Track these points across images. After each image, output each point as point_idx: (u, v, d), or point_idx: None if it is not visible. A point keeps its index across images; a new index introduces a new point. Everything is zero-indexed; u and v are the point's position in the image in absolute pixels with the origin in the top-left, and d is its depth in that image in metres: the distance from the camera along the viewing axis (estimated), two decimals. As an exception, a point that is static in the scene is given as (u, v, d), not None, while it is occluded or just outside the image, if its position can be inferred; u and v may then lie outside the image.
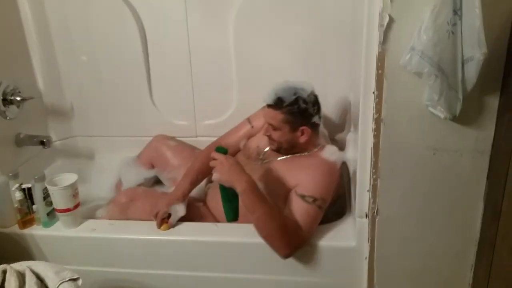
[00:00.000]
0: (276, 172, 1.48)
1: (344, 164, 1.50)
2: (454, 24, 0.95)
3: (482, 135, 1.07)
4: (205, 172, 1.59)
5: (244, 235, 1.40)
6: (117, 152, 2.00)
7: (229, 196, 1.37)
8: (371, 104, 1.10)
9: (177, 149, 1.87)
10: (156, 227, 1.45)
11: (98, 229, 1.48)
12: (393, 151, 1.12)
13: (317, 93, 1.48)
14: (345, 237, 1.35)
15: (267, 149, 1.57)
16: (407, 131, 1.09)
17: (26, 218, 1.52)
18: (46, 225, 1.51)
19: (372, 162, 1.15)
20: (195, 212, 1.55)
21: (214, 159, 1.35)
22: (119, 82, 1.97)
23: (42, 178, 1.46)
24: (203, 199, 1.65)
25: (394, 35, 1.01)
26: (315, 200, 1.35)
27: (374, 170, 1.15)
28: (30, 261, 1.25)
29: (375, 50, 1.05)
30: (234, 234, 1.42)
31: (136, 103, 1.99)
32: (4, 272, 1.17)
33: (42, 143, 1.80)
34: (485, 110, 1.05)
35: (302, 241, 1.33)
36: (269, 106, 1.45)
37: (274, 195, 1.41)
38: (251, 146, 1.63)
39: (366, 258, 1.28)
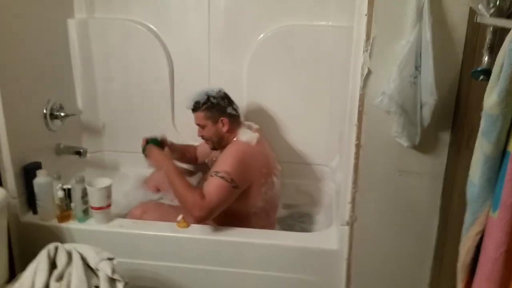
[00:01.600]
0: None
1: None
2: (415, 77, 1.25)
3: (437, 162, 1.37)
4: (189, 157, 2.10)
5: (242, 236, 1.65)
6: (138, 167, 2.21)
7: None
8: (354, 133, 1.40)
9: (183, 173, 2.10)
10: (174, 227, 1.68)
11: (124, 226, 1.70)
12: (369, 171, 1.41)
13: (313, 126, 1.79)
14: (330, 242, 1.60)
15: (214, 158, 1.89)
16: (379, 155, 1.38)
17: (64, 213, 1.71)
18: (81, 220, 1.72)
19: (353, 179, 1.43)
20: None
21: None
22: (147, 107, 2.24)
23: (81, 180, 1.68)
24: None
25: (371, 82, 1.32)
26: (217, 172, 1.62)
27: (354, 185, 1.43)
28: (74, 244, 1.49)
29: (357, 93, 1.35)
30: (233, 235, 1.65)
31: (160, 126, 2.22)
32: (56, 248, 1.40)
33: (78, 153, 2.06)
34: (439, 142, 1.35)
35: (206, 205, 1.57)
36: (192, 110, 1.82)
37: None
38: (208, 161, 2.01)
39: (345, 259, 1.53)
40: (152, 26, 2.15)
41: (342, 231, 1.53)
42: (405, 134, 1.30)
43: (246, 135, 1.79)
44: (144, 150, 1.88)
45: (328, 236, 1.64)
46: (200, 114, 1.81)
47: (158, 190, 2.15)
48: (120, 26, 2.15)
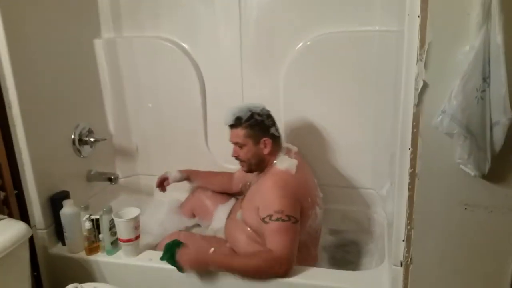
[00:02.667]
0: (247, 201, 1.62)
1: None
2: (483, 91, 1.03)
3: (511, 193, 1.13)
4: (220, 184, 1.94)
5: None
6: (173, 191, 2.11)
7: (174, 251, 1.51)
8: (407, 159, 1.18)
9: (217, 197, 1.99)
10: None
11: (154, 260, 1.59)
12: (427, 204, 1.18)
13: (358, 146, 1.58)
14: (380, 284, 1.40)
15: (249, 180, 1.72)
16: (439, 185, 1.16)
17: (93, 245, 1.66)
18: (110, 253, 1.64)
19: (407, 214, 1.21)
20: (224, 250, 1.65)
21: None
22: (179, 127, 2.15)
23: (109, 211, 1.61)
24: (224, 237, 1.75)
25: (428, 98, 1.10)
26: (270, 217, 1.44)
27: (408, 221, 1.22)
28: (95, 283, 1.40)
29: (411, 111, 1.14)
30: None
31: (193, 147, 2.15)
32: None
33: (110, 179, 2.00)
34: (513, 170, 1.11)
35: (282, 257, 1.40)
36: (231, 126, 1.64)
37: (250, 221, 1.55)
38: (242, 186, 1.86)
39: None
40: (181, 43, 2.06)
41: (395, 272, 1.32)
42: (471, 161, 1.07)
43: (284, 163, 1.60)
44: (168, 258, 1.55)
45: (379, 277, 1.44)
46: (241, 131, 1.62)
47: (193, 215, 2.06)
48: (149, 44, 2.08)
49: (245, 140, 1.63)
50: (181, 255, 1.49)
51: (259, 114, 1.63)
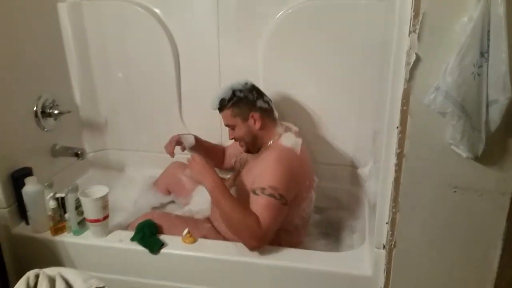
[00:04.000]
0: (244, 175, 1.57)
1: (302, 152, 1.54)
2: (480, 66, 0.96)
3: (504, 176, 1.07)
4: (213, 158, 1.84)
5: (257, 256, 1.42)
6: (146, 166, 2.09)
7: (147, 233, 1.49)
8: (394, 138, 1.11)
9: None
10: (180, 242, 1.48)
11: (124, 240, 1.51)
12: (414, 186, 1.12)
13: (341, 120, 1.53)
14: (362, 266, 1.35)
15: (245, 157, 1.68)
16: (428, 167, 1.10)
17: (58, 225, 1.57)
18: (77, 233, 1.56)
19: (392, 196, 1.16)
20: (202, 231, 1.59)
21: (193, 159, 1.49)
22: (151, 99, 2.04)
23: (75, 189, 1.51)
24: (208, 217, 1.70)
25: (420, 74, 1.02)
26: (263, 189, 1.39)
27: (394, 204, 1.16)
28: (60, 267, 1.30)
29: (401, 87, 1.06)
30: (247, 254, 1.43)
31: (166, 120, 2.04)
32: (37, 276, 1.22)
33: (76, 155, 1.88)
34: (507, 152, 1.05)
35: (263, 233, 1.36)
36: (219, 110, 1.61)
37: (244, 198, 1.47)
38: (235, 162, 1.79)
39: None
40: (153, 8, 1.91)
41: (377, 255, 1.27)
42: (464, 142, 1.01)
43: (290, 140, 1.54)
44: (139, 239, 1.50)
45: (361, 258, 1.39)
46: (227, 112, 1.59)
47: (168, 192, 1.99)
48: (118, 9, 1.92)
49: (233, 120, 1.59)
50: (195, 157, 1.48)
51: (240, 91, 1.58)
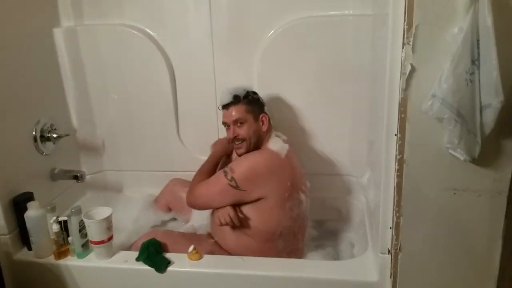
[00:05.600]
0: None
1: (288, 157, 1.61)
2: (472, 73, 1.01)
3: (500, 176, 1.12)
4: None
5: (264, 268, 1.45)
6: (144, 186, 2.10)
7: (152, 252, 1.52)
8: (393, 145, 1.16)
9: None
10: (185, 259, 1.49)
11: (130, 261, 1.51)
12: (415, 190, 1.17)
13: (335, 132, 1.75)
14: (367, 273, 1.38)
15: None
16: (428, 171, 1.14)
17: (62, 249, 1.56)
18: (80, 256, 1.56)
19: (395, 201, 1.20)
20: (206, 247, 1.61)
21: None
22: (148, 120, 2.06)
23: (78, 212, 1.51)
24: (209, 232, 1.73)
25: (416, 83, 1.08)
26: (225, 169, 1.56)
27: (397, 209, 1.20)
28: None
29: (397, 96, 1.12)
30: (254, 267, 1.46)
31: (164, 140, 2.06)
32: None
33: (75, 177, 1.87)
34: (502, 153, 1.10)
35: (196, 193, 1.60)
36: (229, 104, 1.64)
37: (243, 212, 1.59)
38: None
39: None
40: (148, 31, 1.95)
41: (383, 260, 1.30)
42: (462, 145, 1.06)
43: (276, 145, 1.61)
44: (144, 259, 1.52)
45: (366, 265, 1.42)
46: (242, 106, 1.63)
47: (169, 209, 2.01)
48: (113, 32, 1.96)
49: (246, 115, 1.63)
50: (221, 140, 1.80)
51: (253, 92, 1.68)
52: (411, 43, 1.05)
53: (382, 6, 1.31)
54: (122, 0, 1.91)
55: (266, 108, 1.68)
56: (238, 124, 1.63)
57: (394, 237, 1.24)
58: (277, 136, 1.68)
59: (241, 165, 1.55)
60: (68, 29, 1.93)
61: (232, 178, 1.51)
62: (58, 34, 1.90)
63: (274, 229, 1.57)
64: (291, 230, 1.60)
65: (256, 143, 1.64)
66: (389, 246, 1.27)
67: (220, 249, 1.62)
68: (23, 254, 1.61)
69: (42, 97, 1.83)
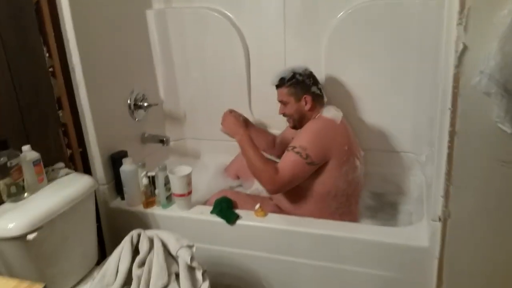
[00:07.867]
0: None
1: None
2: None
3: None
4: (264, 143, 2.05)
5: (322, 227, 1.58)
6: (219, 154, 2.28)
7: (224, 207, 1.70)
8: (447, 118, 1.24)
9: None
10: (252, 215, 1.67)
11: (205, 213, 1.72)
12: (465, 161, 1.24)
13: (398, 110, 1.74)
14: (420, 239, 1.47)
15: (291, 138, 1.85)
16: (478, 143, 1.21)
17: (149, 200, 1.80)
18: (165, 206, 1.78)
19: (447, 170, 1.28)
20: (268, 207, 1.76)
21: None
22: (224, 94, 2.24)
23: (164, 168, 1.74)
24: (270, 196, 1.86)
25: (468, 60, 1.15)
26: (293, 147, 1.62)
27: (447, 177, 1.28)
28: (156, 230, 1.52)
29: (451, 72, 1.19)
30: (312, 226, 1.60)
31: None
32: (139, 235, 1.44)
33: (162, 141, 2.12)
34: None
35: (279, 180, 1.60)
36: (277, 86, 1.80)
37: None
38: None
39: (437, 258, 1.39)
40: (227, 13, 2.13)
41: (433, 227, 1.39)
42: (508, 119, 1.12)
43: (330, 112, 1.75)
44: (217, 212, 1.72)
45: (418, 232, 1.51)
46: (284, 90, 1.78)
47: (237, 177, 2.17)
48: (197, 15, 2.15)
49: (288, 97, 1.78)
50: (227, 116, 1.83)
51: (300, 74, 1.77)
52: (463, 23, 1.12)
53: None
54: (205, -15, 2.08)
55: (313, 88, 1.76)
56: (283, 104, 1.80)
57: (444, 205, 1.32)
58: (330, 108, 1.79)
59: (308, 140, 1.64)
60: (159, 11, 2.15)
61: (307, 156, 1.60)
62: (150, 15, 2.12)
63: (329, 191, 1.69)
64: (345, 193, 1.71)
65: (302, 119, 1.79)
66: (439, 214, 1.35)
67: (279, 210, 1.79)
68: (117, 203, 1.87)
69: (135, 71, 2.06)
